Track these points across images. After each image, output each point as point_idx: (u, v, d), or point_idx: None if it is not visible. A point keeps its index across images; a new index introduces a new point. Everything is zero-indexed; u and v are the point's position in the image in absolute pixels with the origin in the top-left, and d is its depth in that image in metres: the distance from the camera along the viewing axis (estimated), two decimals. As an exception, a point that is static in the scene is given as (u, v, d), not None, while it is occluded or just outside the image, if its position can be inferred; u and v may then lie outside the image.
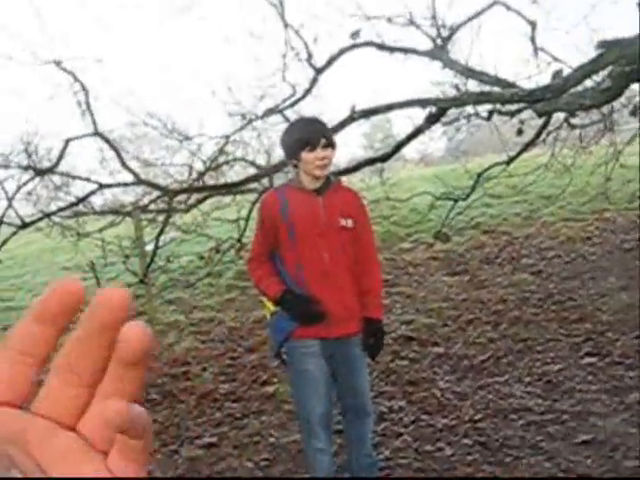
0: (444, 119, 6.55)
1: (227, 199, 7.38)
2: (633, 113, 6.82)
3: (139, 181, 5.55)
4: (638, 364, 4.96)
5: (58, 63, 5.21)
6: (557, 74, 5.15)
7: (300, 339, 3.28)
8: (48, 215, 5.62)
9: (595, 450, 3.85)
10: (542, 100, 5.04)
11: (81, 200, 5.73)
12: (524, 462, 3.84)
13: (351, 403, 3.40)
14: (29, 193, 5.56)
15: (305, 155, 3.25)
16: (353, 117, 5.54)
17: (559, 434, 4.10)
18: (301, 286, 3.28)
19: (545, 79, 5.31)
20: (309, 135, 3.28)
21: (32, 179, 5.44)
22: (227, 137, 6.53)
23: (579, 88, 4.88)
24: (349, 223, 3.35)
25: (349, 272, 3.35)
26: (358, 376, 3.40)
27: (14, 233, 5.44)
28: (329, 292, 3.28)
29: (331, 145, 3.30)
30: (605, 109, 7.48)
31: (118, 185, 5.71)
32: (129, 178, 5.85)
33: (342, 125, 5.62)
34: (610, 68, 4.44)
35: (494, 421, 4.40)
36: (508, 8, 6.46)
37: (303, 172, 3.32)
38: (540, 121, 6.84)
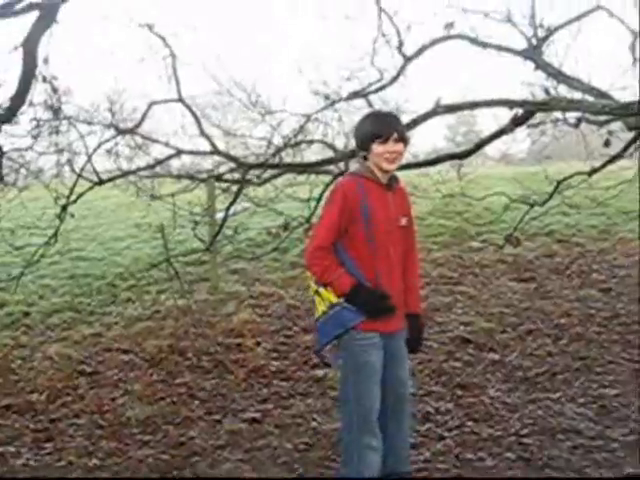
0: (530, 121, 6.39)
1: (301, 177, 7.39)
2: None
3: (215, 151, 5.60)
4: (700, 400, 4.78)
5: (151, 27, 5.28)
6: (653, 90, 4.96)
7: (361, 332, 3.26)
8: (125, 174, 5.74)
9: (642, 484, 3.73)
10: (635, 114, 4.87)
11: (158, 163, 5.83)
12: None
13: (398, 393, 3.41)
14: (108, 151, 5.68)
15: (376, 147, 3.27)
16: (437, 111, 5.46)
17: (607, 462, 3.97)
18: (370, 280, 3.26)
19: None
20: (381, 127, 3.31)
21: (114, 137, 5.55)
22: (308, 116, 6.51)
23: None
24: (405, 221, 3.42)
25: (401, 269, 3.40)
26: (405, 367, 3.47)
27: (90, 188, 5.58)
28: (393, 288, 3.31)
29: (403, 140, 3.32)
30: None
31: (194, 152, 5.78)
32: (207, 146, 5.92)
33: (425, 118, 5.54)
34: None
35: (540, 439, 4.30)
36: (611, 14, 6.23)
37: (373, 165, 3.33)
38: (630, 134, 6.60)
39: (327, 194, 3.39)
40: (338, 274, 3.22)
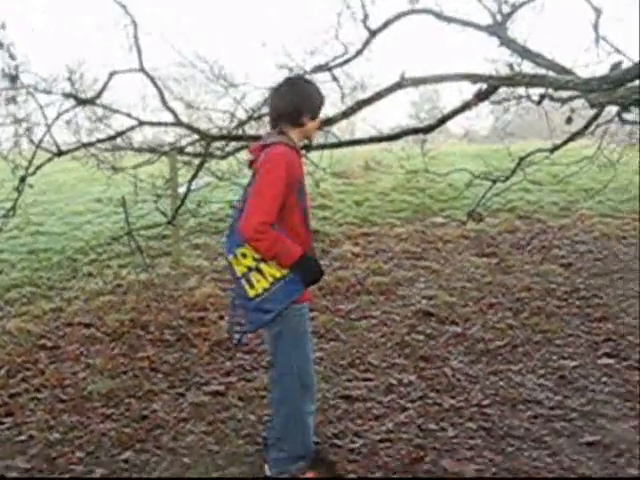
0: (494, 98, 6.42)
1: (265, 151, 7.32)
2: (689, 115, 6.62)
3: (178, 122, 5.52)
4: (656, 371, 4.88)
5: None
6: (616, 66, 5.00)
7: (298, 303, 3.23)
8: (85, 145, 5.63)
9: (599, 452, 3.80)
10: (597, 90, 4.90)
11: (119, 134, 5.72)
12: (526, 454, 3.80)
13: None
14: (68, 122, 5.56)
15: (311, 121, 3.32)
16: (401, 84, 5.43)
17: (565, 431, 4.05)
18: (306, 248, 3.21)
19: (603, 70, 5.14)
20: (323, 101, 3.39)
21: (73, 108, 5.43)
22: (272, 89, 6.45)
23: (636, 83, 4.74)
24: None
25: None
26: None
27: (49, 160, 5.46)
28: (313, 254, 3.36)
29: None
30: (660, 108, 7.28)
31: (157, 124, 5.69)
32: (170, 119, 5.83)
33: (389, 91, 5.52)
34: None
35: (501, 409, 4.36)
36: (575, -8, 6.26)
37: (298, 135, 3.31)
38: (591, 112, 6.66)
39: (260, 163, 3.13)
40: (288, 245, 3.09)
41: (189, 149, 6.52)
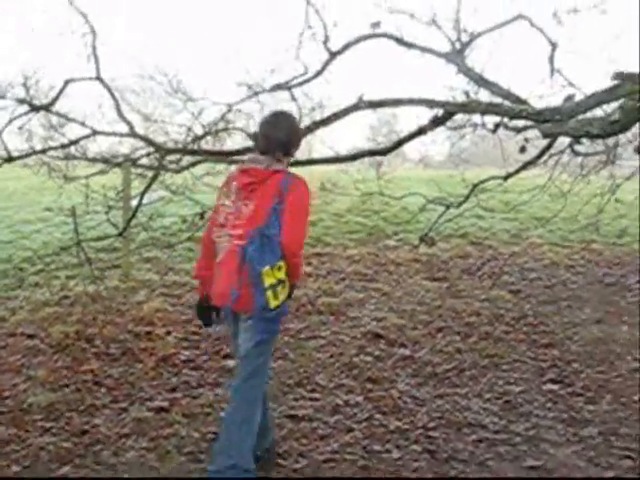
0: (450, 124, 6.49)
1: (221, 167, 7.29)
2: (638, 150, 6.78)
3: (132, 134, 5.46)
4: (598, 399, 4.95)
5: (71, 2, 5.10)
6: (569, 98, 5.10)
7: None
8: (37, 152, 5.53)
9: (541, 477, 3.83)
10: (550, 121, 4.99)
11: (73, 143, 5.64)
12: (469, 477, 3.81)
13: None
14: (20, 128, 5.45)
15: (294, 153, 3.76)
16: (359, 106, 5.47)
17: (509, 455, 4.07)
18: None
19: (557, 101, 5.24)
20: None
21: (26, 114, 5.34)
22: (230, 105, 6.44)
23: (588, 116, 4.84)
24: None
25: None
26: None
27: (-1, 165, 5.35)
28: None
29: None
30: (610, 141, 7.45)
31: (111, 134, 5.62)
32: (126, 130, 5.75)
33: (346, 112, 5.55)
34: (622, 101, 4.40)
35: (446, 432, 4.37)
36: (532, 24, 6.38)
37: (286, 163, 3.68)
38: (544, 142, 6.79)
39: (290, 186, 3.48)
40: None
41: (144, 161, 6.45)
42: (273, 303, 3.36)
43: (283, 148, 3.60)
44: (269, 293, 3.34)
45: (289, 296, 3.57)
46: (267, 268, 3.33)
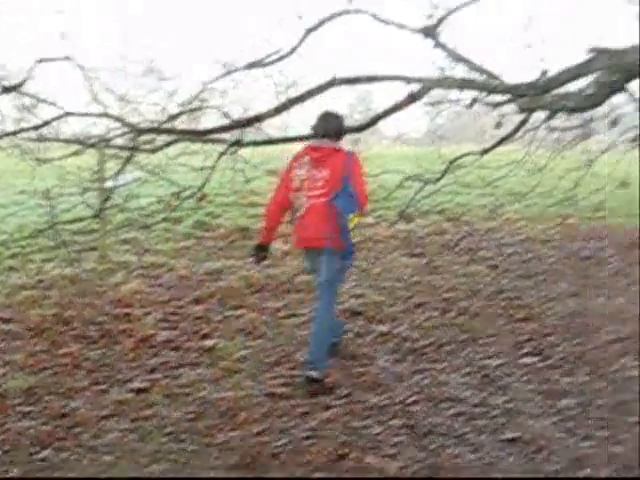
0: (427, 100, 6.48)
1: (196, 146, 7.24)
2: (613, 124, 6.82)
3: (105, 114, 5.39)
4: (575, 371, 5.01)
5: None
6: (544, 73, 5.11)
7: None
8: (8, 134, 5.45)
9: (519, 449, 3.87)
10: (525, 96, 5.00)
11: (45, 124, 5.54)
12: (448, 451, 3.85)
13: None
14: (-9, 109, 5.37)
15: None
16: (333, 83, 5.44)
17: (487, 428, 4.11)
18: None
19: (532, 76, 5.25)
20: None
21: (-3, 95, 5.24)
22: (205, 84, 6.38)
23: (563, 90, 4.85)
24: None
25: None
26: None
27: (-31, 147, 5.26)
28: None
29: None
30: (586, 116, 7.48)
31: (83, 115, 5.55)
32: (99, 111, 5.68)
33: (321, 89, 5.50)
34: (597, 75, 4.41)
35: (425, 407, 4.40)
36: (507, -1, 6.38)
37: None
38: (520, 118, 6.80)
39: (352, 158, 4.89)
40: None
41: (118, 142, 6.38)
42: (352, 240, 4.76)
43: (338, 134, 5.01)
44: (350, 235, 4.69)
45: None
46: (351, 216, 4.66)
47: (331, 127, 5.00)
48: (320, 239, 4.70)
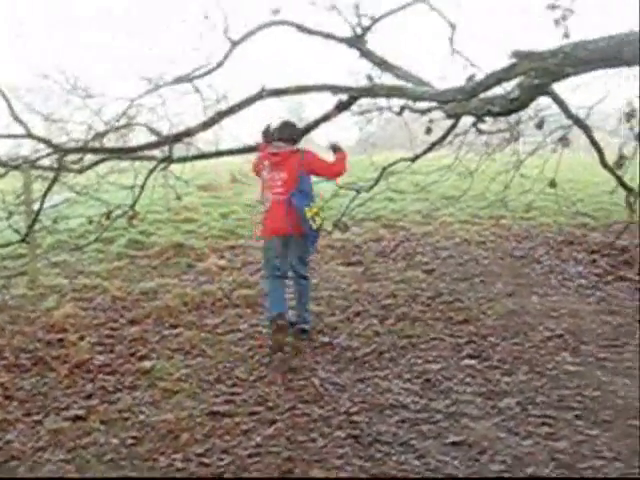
0: (356, 109, 6.50)
1: (125, 164, 7.10)
2: (539, 126, 6.95)
3: (28, 135, 5.24)
4: (515, 370, 5.07)
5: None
6: (470, 78, 5.17)
7: None
8: None
9: (464, 452, 3.89)
10: (452, 101, 5.06)
11: (-36, 147, 5.36)
12: (394, 459, 3.84)
13: None
14: None
15: None
16: (261, 95, 5.42)
17: (431, 433, 4.12)
18: None
19: (458, 82, 5.31)
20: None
21: None
22: (132, 100, 6.27)
23: (489, 94, 4.92)
24: None
25: None
26: None
27: None
28: None
29: None
30: (512, 119, 7.60)
31: (4, 136, 5.38)
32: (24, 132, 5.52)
33: (249, 101, 5.49)
34: (521, 79, 4.48)
35: (369, 415, 4.39)
36: (431, 7, 6.44)
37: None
38: (449, 123, 6.88)
39: (305, 154, 5.91)
40: None
41: (45, 162, 6.20)
42: (314, 226, 5.73)
43: (294, 139, 5.93)
44: (311, 221, 5.69)
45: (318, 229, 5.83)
46: (307, 208, 5.67)
47: (287, 133, 5.95)
48: (284, 228, 5.75)
